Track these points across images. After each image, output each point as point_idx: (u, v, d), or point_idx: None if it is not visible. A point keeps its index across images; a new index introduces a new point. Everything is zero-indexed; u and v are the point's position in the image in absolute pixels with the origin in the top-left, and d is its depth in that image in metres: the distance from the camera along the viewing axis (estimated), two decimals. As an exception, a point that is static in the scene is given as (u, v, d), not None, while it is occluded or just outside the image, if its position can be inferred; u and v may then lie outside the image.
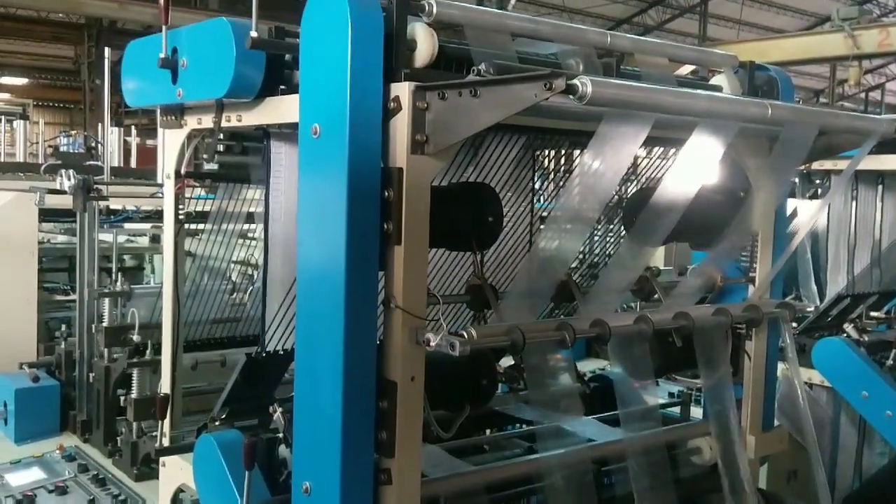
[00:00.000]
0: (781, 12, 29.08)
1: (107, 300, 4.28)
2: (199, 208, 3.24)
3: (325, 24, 2.11)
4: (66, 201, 4.69)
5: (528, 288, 2.54)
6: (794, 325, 4.34)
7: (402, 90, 2.10)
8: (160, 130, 3.65)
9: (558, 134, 2.94)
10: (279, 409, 2.52)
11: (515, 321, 2.36)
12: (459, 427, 2.60)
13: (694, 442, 3.06)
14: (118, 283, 4.30)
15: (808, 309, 4.62)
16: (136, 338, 4.05)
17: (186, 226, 3.09)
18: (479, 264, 2.67)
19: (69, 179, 4.54)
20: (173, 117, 2.93)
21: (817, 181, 5.19)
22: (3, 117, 14.22)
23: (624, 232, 3.24)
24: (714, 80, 3.09)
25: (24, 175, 8.21)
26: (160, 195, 4.12)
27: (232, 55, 2.41)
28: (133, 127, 14.42)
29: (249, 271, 3.64)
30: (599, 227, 3.46)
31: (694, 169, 2.49)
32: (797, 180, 5.12)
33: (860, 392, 4.10)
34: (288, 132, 2.68)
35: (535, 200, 3.17)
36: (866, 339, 4.34)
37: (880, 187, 4.77)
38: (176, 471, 2.96)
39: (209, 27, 2.56)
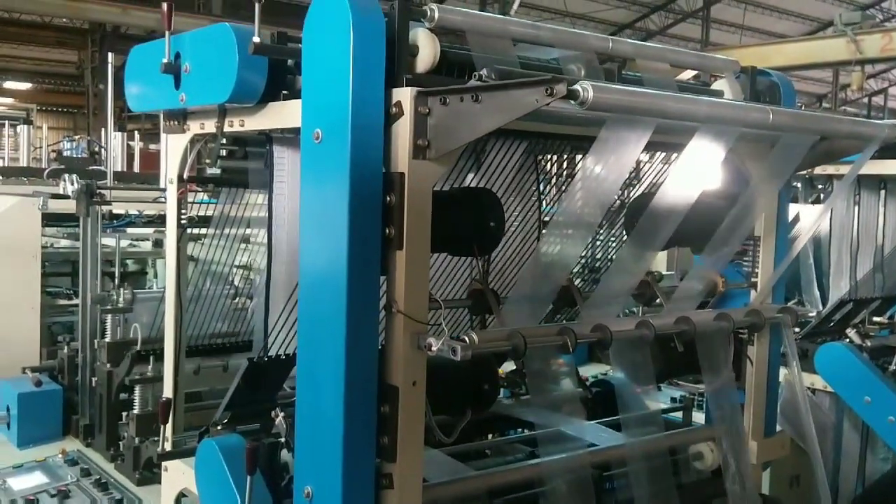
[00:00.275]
0: (784, 17, 29.09)
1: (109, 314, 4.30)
2: (201, 213, 3.25)
3: (327, 30, 2.12)
4: (69, 206, 4.70)
5: (529, 293, 2.55)
6: (797, 329, 4.33)
7: (404, 95, 2.10)
8: (163, 135, 3.66)
9: (560, 139, 2.94)
10: (281, 414, 2.52)
11: (517, 326, 2.36)
12: (461, 431, 2.60)
13: (696, 447, 3.06)
14: (120, 298, 4.31)
15: (811, 314, 4.60)
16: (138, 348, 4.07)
17: (189, 230, 3.09)
18: (480, 269, 2.67)
19: (72, 184, 4.55)
20: (176, 122, 2.94)
21: (819, 186, 5.19)
22: (6, 122, 14.27)
23: (625, 236, 3.24)
24: (715, 86, 3.10)
25: (28, 179, 8.23)
26: (163, 200, 4.13)
27: (234, 60, 2.42)
28: (136, 132, 14.47)
29: (252, 276, 3.65)
30: (601, 231, 3.47)
31: (695, 174, 2.50)
32: (800, 185, 5.13)
33: (863, 397, 4.09)
34: (290, 137, 2.69)
35: (540, 205, 3.18)
36: (869, 344, 4.33)
37: (882, 192, 4.77)
38: (178, 475, 2.96)
39: (212, 32, 2.57)
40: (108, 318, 4.31)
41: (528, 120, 2.07)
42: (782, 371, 3.20)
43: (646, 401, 3.05)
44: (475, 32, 2.40)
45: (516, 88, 1.99)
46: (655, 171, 3.31)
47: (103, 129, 9.94)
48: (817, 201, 5.15)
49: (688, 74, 3.66)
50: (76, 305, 4.81)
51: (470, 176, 2.95)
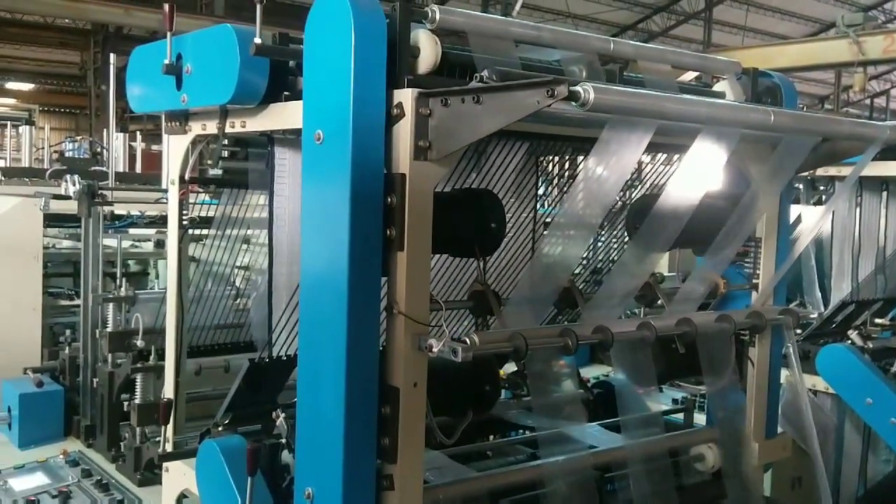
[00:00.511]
0: (786, 18, 29.09)
1: (111, 305, 4.29)
2: (203, 214, 3.25)
3: (329, 31, 2.12)
4: (71, 206, 4.70)
5: (531, 294, 2.55)
6: (799, 331, 4.33)
7: (406, 96, 2.11)
8: (165, 136, 3.66)
9: (561, 140, 2.94)
10: (282, 415, 2.52)
11: (518, 327, 2.36)
12: (462, 433, 2.60)
13: (697, 449, 3.05)
14: (122, 289, 4.31)
15: (812, 315, 4.61)
16: (139, 343, 4.06)
17: (190, 231, 3.09)
18: (482, 270, 2.67)
19: (74, 185, 4.55)
20: (178, 123, 2.94)
21: (821, 187, 5.19)
22: (9, 123, 14.29)
23: (627, 238, 3.24)
24: (717, 87, 3.10)
25: (30, 180, 8.22)
26: (164, 200, 4.13)
27: (236, 61, 2.42)
28: (138, 132, 14.47)
29: (253, 276, 3.65)
30: (603, 233, 3.47)
31: (697, 175, 2.50)
32: (801, 187, 5.12)
33: (864, 399, 4.09)
34: (292, 138, 2.69)
35: (538, 206, 3.18)
36: (871, 345, 4.32)
37: (884, 193, 4.77)
38: (179, 476, 2.96)
39: (213, 34, 2.57)
40: (111, 307, 4.29)
41: (529, 121, 2.07)
42: (784, 372, 3.19)
43: (647, 402, 3.06)
44: (476, 34, 2.40)
45: (518, 90, 1.99)
46: (657, 172, 3.30)
47: (105, 130, 9.96)
48: (819, 203, 5.14)
49: (689, 76, 3.66)
50: (77, 306, 4.81)
51: (472, 177, 2.95)
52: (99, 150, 11.03)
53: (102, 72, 20.21)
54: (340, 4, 2.07)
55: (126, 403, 4.10)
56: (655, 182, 3.31)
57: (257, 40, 2.32)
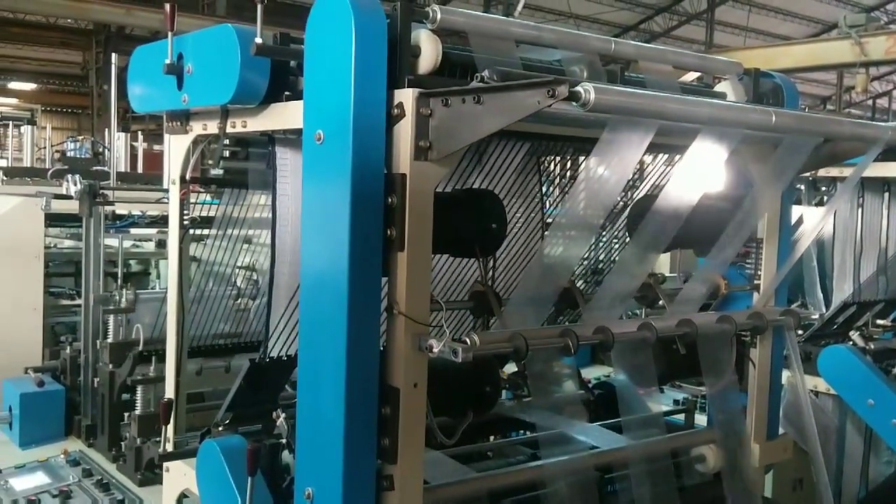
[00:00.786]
0: (788, 19, 29.08)
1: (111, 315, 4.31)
2: (204, 213, 3.25)
3: (329, 31, 2.12)
4: (72, 206, 4.71)
5: (531, 294, 2.54)
6: (800, 332, 4.33)
7: (406, 97, 2.10)
8: (166, 136, 3.66)
9: (562, 140, 2.94)
10: (282, 415, 2.52)
11: (519, 328, 2.36)
12: (463, 433, 2.60)
13: (698, 450, 3.05)
14: (122, 299, 4.31)
15: (814, 316, 4.61)
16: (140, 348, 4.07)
17: (192, 231, 3.09)
18: (482, 271, 2.67)
19: (76, 184, 4.55)
20: (179, 123, 2.94)
21: (823, 188, 5.19)
22: (11, 122, 14.31)
23: (628, 238, 3.24)
24: (719, 87, 3.09)
25: (31, 180, 8.24)
26: (166, 200, 4.13)
27: (237, 61, 2.42)
28: (140, 132, 14.49)
29: (255, 276, 3.65)
30: (604, 233, 3.46)
31: (697, 175, 2.49)
32: (803, 187, 5.12)
33: (866, 400, 4.08)
34: (293, 138, 2.69)
35: (542, 206, 3.17)
36: (872, 346, 4.31)
37: (886, 194, 4.76)
38: (179, 476, 2.96)
39: (214, 34, 2.57)
40: (111, 318, 4.31)
41: (530, 121, 2.07)
42: (785, 373, 3.19)
43: (648, 403, 3.05)
44: (477, 34, 2.40)
45: (518, 90, 1.99)
46: (658, 172, 3.30)
47: (107, 130, 9.97)
48: (820, 203, 5.14)
49: (691, 76, 3.66)
50: (79, 306, 4.82)
51: (473, 177, 2.95)
52: (100, 149, 11.05)
53: (104, 72, 20.23)
54: (341, 4, 2.07)
55: (126, 411, 4.11)
56: (657, 182, 3.31)
57: (258, 40, 2.32)
